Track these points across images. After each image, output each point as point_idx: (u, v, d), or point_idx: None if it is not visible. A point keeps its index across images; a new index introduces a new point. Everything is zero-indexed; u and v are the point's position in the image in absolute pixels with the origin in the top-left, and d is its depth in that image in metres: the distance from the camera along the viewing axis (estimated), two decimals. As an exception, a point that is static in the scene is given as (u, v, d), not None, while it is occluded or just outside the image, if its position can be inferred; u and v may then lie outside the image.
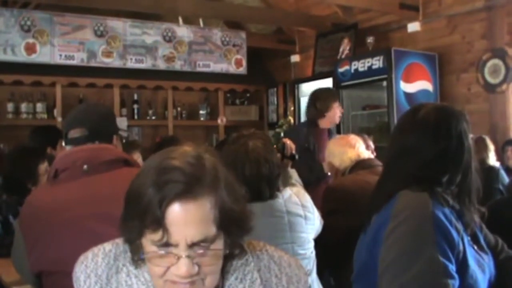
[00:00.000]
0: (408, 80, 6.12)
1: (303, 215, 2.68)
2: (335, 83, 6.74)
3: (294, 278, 1.44)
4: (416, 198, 1.85)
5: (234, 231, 1.29)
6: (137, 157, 4.09)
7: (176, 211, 1.19)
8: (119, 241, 1.40)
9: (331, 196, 3.31)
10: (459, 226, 1.83)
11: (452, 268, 1.75)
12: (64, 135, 2.51)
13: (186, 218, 1.19)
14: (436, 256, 1.73)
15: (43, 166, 3.88)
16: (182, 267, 1.20)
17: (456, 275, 1.75)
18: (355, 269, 2.05)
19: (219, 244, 1.25)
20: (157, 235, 1.20)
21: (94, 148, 2.39)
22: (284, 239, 2.60)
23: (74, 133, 2.48)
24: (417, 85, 6.20)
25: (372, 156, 3.70)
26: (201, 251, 1.21)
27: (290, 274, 1.44)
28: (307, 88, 7.75)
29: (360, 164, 3.47)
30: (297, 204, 2.68)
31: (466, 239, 1.86)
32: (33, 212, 2.28)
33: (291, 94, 8.06)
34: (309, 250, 2.69)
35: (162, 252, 1.21)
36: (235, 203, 1.27)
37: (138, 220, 1.22)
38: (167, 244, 1.20)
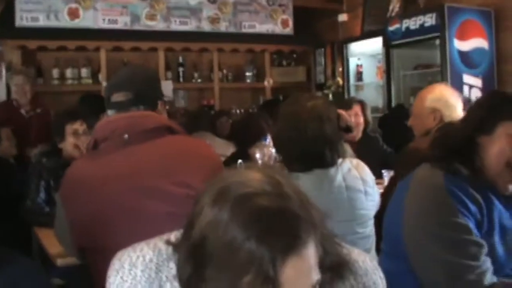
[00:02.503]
0: (462, 37, 5.83)
1: (363, 190, 2.50)
2: (385, 42, 6.51)
3: (373, 286, 1.25)
4: (430, 172, 1.88)
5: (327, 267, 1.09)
6: (79, 125, 3.99)
7: (290, 267, 0.97)
8: (162, 245, 1.21)
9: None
10: (478, 196, 1.81)
11: (473, 227, 1.76)
12: (106, 99, 2.35)
13: (299, 271, 0.99)
14: (457, 219, 1.75)
15: (71, 126, 3.93)
16: None
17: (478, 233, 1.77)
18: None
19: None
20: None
21: (135, 115, 2.25)
22: (343, 216, 2.42)
23: (117, 97, 2.30)
24: (471, 43, 5.90)
25: None
26: None
27: (368, 283, 1.25)
28: (355, 48, 7.57)
29: None
30: (356, 178, 2.50)
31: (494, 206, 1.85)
32: (73, 186, 2.20)
33: (339, 54, 7.85)
34: (369, 228, 2.52)
35: None
36: (328, 237, 1.09)
37: (227, 274, 0.98)
38: None
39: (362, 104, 5.21)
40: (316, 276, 1.02)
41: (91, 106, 4.73)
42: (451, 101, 3.29)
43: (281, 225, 0.98)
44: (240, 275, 0.96)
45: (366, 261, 1.28)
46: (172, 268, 1.16)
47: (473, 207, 1.77)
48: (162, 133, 2.22)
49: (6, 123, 5.19)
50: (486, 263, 1.75)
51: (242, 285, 0.96)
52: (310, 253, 1.01)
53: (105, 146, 2.20)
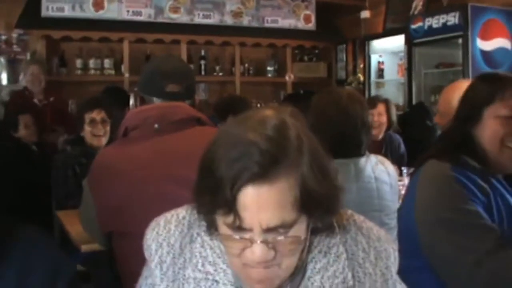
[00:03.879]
0: (485, 37, 5.80)
1: (389, 182, 2.58)
2: (407, 40, 6.50)
3: (383, 253, 1.29)
4: (437, 166, 1.90)
5: (320, 213, 1.13)
6: (97, 114, 4.06)
7: (248, 195, 1.06)
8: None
9: None
10: (485, 186, 1.82)
11: (483, 212, 1.77)
12: (158, 88, 2.40)
13: (259, 203, 1.06)
14: (471, 206, 1.76)
15: (89, 115, 4.03)
16: (257, 253, 1.08)
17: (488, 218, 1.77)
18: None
19: (299, 229, 1.10)
20: (229, 218, 1.08)
21: (166, 106, 2.32)
22: (372, 206, 2.50)
23: (172, 88, 2.39)
24: (494, 43, 5.87)
25: None
26: (278, 237, 1.08)
27: (379, 248, 1.29)
28: (377, 45, 7.55)
29: None
30: (383, 171, 2.58)
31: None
32: (102, 172, 2.25)
33: (361, 51, 7.83)
34: (394, 220, 2.56)
35: (236, 236, 1.10)
36: (321, 182, 1.09)
37: (209, 196, 1.10)
38: (240, 228, 1.09)
39: (386, 103, 5.13)
40: (286, 214, 1.07)
41: (114, 97, 4.80)
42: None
43: (253, 158, 1.05)
44: (215, 193, 1.08)
45: (381, 231, 1.34)
46: (203, 225, 1.25)
47: (482, 197, 1.79)
48: (191, 124, 2.28)
49: (18, 112, 5.26)
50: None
51: (218, 202, 1.08)
52: (279, 192, 1.06)
53: (135, 134, 2.26)
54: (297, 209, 1.08)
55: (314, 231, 1.19)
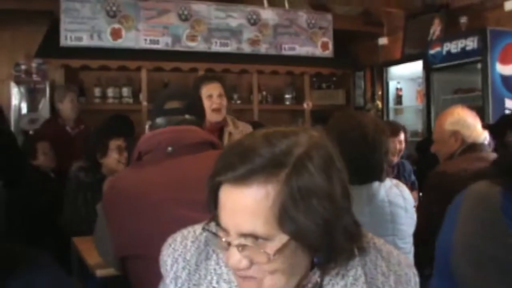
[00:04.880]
0: (505, 62, 5.75)
1: (404, 206, 2.51)
2: (425, 65, 6.47)
3: (403, 277, 1.26)
4: (486, 187, 1.75)
5: (311, 247, 1.11)
6: (122, 141, 4.04)
7: (225, 194, 1.09)
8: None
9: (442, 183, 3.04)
10: None
11: None
12: (158, 108, 2.43)
13: (234, 204, 1.07)
14: (508, 238, 1.61)
15: (115, 142, 4.01)
16: (230, 256, 1.10)
17: None
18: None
19: (277, 247, 1.07)
20: (215, 216, 1.13)
21: (179, 129, 2.32)
22: (386, 231, 2.44)
23: (171, 104, 2.40)
24: (514, 67, 5.82)
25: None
26: (250, 243, 1.07)
27: (400, 272, 1.26)
28: (395, 72, 7.52)
29: (476, 147, 3.20)
30: (398, 195, 2.52)
31: None
32: (117, 195, 2.25)
33: (379, 77, 7.81)
34: (409, 245, 2.53)
35: (219, 234, 1.12)
36: (306, 215, 1.06)
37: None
38: (220, 228, 1.11)
39: (405, 131, 5.14)
40: (258, 225, 1.06)
41: (122, 125, 4.83)
42: (469, 121, 3.27)
43: (236, 159, 1.08)
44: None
45: (401, 255, 1.31)
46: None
47: None
48: (205, 147, 2.28)
49: (53, 140, 5.29)
50: None
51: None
52: (254, 199, 1.06)
53: (149, 157, 2.27)
54: (273, 225, 1.06)
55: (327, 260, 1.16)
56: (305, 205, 1.06)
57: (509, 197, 1.68)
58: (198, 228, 1.31)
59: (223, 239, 1.11)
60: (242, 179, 1.06)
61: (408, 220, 2.51)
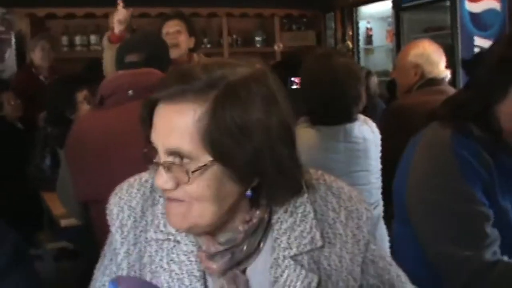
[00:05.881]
0: (473, -1, 5.76)
1: (374, 141, 2.60)
2: (395, 5, 6.45)
3: (355, 213, 1.25)
4: (439, 132, 1.74)
5: (240, 167, 1.09)
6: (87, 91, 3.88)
7: (157, 113, 1.11)
8: None
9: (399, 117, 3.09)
10: (488, 158, 1.67)
11: (481, 196, 1.64)
12: (118, 60, 2.44)
13: (163, 122, 1.10)
14: (461, 185, 1.63)
15: (82, 94, 3.82)
16: (157, 177, 1.11)
17: (487, 202, 1.64)
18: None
19: (199, 166, 1.07)
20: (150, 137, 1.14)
21: (139, 72, 2.33)
22: (360, 166, 2.53)
23: (131, 58, 2.40)
24: (483, 4, 5.81)
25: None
26: (175, 162, 1.09)
27: (350, 208, 1.25)
28: (365, 11, 7.49)
29: (435, 82, 3.19)
30: (369, 131, 2.60)
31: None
32: (79, 139, 2.28)
33: (349, 18, 7.78)
34: (380, 179, 2.62)
35: (148, 151, 1.15)
36: (232, 135, 1.06)
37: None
38: (155, 150, 1.13)
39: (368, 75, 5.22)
40: (183, 143, 1.07)
41: (98, 72, 4.74)
42: (433, 57, 3.25)
43: (172, 80, 1.10)
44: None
45: (352, 190, 1.30)
46: None
47: (481, 170, 1.66)
48: None
49: (25, 90, 5.27)
50: (491, 236, 1.62)
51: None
52: (183, 117, 1.07)
53: (111, 101, 2.29)
54: (198, 145, 1.07)
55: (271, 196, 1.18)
56: (231, 130, 1.07)
57: (460, 140, 1.69)
58: (144, 175, 1.32)
59: (154, 161, 1.13)
60: (174, 97, 1.08)
61: (377, 155, 2.60)
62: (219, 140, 1.06)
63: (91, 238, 2.26)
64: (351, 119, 2.54)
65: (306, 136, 2.48)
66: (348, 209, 1.25)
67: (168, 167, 1.10)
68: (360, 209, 1.27)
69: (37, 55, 5.83)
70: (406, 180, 1.80)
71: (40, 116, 4.52)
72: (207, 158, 1.08)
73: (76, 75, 4.27)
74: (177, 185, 1.10)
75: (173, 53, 3.79)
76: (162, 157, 1.10)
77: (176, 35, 3.88)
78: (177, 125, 1.07)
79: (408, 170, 1.80)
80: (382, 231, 2.61)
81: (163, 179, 1.10)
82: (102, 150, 2.17)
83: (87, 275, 1.36)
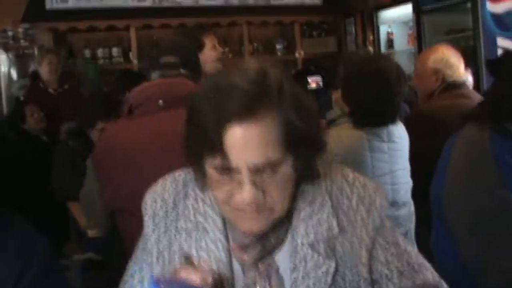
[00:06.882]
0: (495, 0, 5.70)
1: (407, 141, 2.69)
2: (415, 8, 6.40)
3: (367, 199, 1.27)
4: (475, 132, 1.74)
5: (304, 152, 1.17)
6: None
7: (234, 134, 1.10)
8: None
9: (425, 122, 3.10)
10: None
11: None
12: (154, 61, 2.45)
13: (246, 142, 1.10)
14: (497, 189, 1.63)
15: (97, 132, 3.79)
16: (246, 194, 1.13)
17: None
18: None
19: (285, 168, 1.15)
20: (217, 160, 1.13)
21: (169, 82, 2.33)
22: (400, 165, 2.60)
23: (166, 59, 2.41)
24: (505, 4, 5.69)
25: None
26: (265, 175, 1.13)
27: (363, 194, 1.28)
28: (386, 16, 7.45)
29: (456, 85, 3.22)
30: (403, 131, 2.68)
31: None
32: (108, 148, 2.28)
33: (370, 22, 7.75)
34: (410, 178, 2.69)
35: (225, 178, 1.15)
36: (304, 121, 1.14)
37: (196, 141, 1.16)
38: (228, 170, 1.13)
39: None
40: (272, 153, 1.12)
41: (130, 81, 4.76)
42: (452, 61, 3.27)
43: (237, 98, 1.10)
44: (201, 138, 1.14)
45: (370, 181, 1.33)
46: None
47: None
48: None
49: (37, 104, 5.34)
50: None
51: (193, 148, 1.18)
52: (264, 130, 1.11)
53: (140, 111, 2.28)
54: (282, 148, 1.13)
55: (301, 180, 1.24)
56: (301, 116, 1.15)
57: (498, 141, 1.68)
58: (178, 172, 1.38)
59: (235, 179, 1.14)
60: (250, 116, 1.09)
61: (408, 154, 2.67)
62: (296, 134, 1.13)
63: (117, 248, 2.27)
64: (396, 120, 2.61)
65: (353, 137, 2.57)
66: (360, 195, 1.28)
67: (258, 181, 1.13)
68: (373, 196, 1.29)
69: (44, 69, 5.95)
70: (442, 184, 1.80)
71: (62, 129, 4.56)
72: (290, 159, 1.15)
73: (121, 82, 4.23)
74: (264, 194, 1.14)
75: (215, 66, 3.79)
76: (247, 175, 1.12)
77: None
78: (263, 140, 1.11)
79: (445, 174, 1.79)
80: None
81: (252, 194, 1.13)
82: (131, 159, 2.18)
83: (114, 285, 1.37)
